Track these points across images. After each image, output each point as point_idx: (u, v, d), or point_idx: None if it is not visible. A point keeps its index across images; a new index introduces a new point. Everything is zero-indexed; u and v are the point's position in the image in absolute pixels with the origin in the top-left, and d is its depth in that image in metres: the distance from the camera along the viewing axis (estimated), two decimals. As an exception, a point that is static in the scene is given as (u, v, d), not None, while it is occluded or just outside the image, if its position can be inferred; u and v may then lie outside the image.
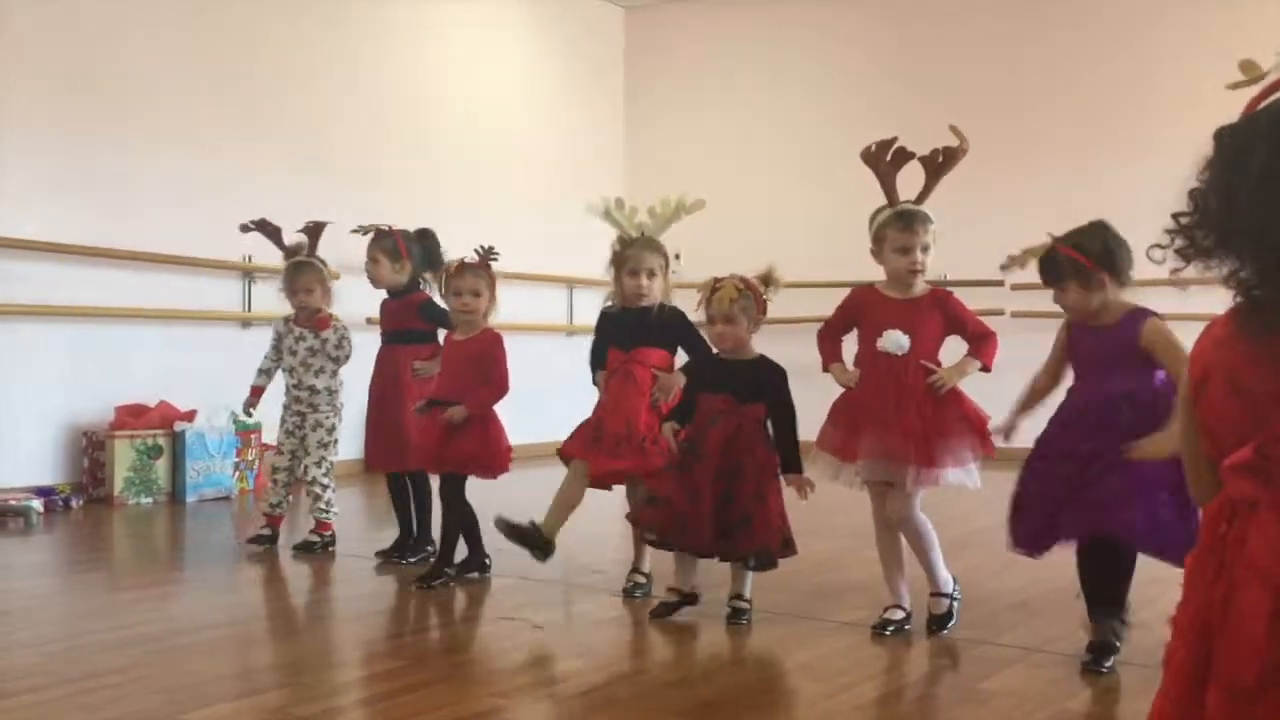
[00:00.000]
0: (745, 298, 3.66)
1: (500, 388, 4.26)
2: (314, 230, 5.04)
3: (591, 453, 4.07)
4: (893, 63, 9.49)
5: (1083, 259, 3.12)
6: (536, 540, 4.08)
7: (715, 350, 3.82)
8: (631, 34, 10.55)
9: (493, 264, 4.33)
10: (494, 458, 4.26)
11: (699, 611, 3.81)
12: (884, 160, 3.64)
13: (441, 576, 4.27)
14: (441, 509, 4.34)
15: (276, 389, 5.11)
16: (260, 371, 5.10)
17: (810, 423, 3.67)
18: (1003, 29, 9.11)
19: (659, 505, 3.73)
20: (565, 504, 4.14)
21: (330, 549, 4.91)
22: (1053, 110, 8.84)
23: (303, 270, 4.96)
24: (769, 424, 3.70)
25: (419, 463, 4.46)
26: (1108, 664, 3.11)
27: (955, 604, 3.64)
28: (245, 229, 5.16)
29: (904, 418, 3.50)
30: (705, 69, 10.23)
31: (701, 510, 3.61)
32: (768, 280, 3.71)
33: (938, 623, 3.58)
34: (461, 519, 4.32)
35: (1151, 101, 8.50)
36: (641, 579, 4.13)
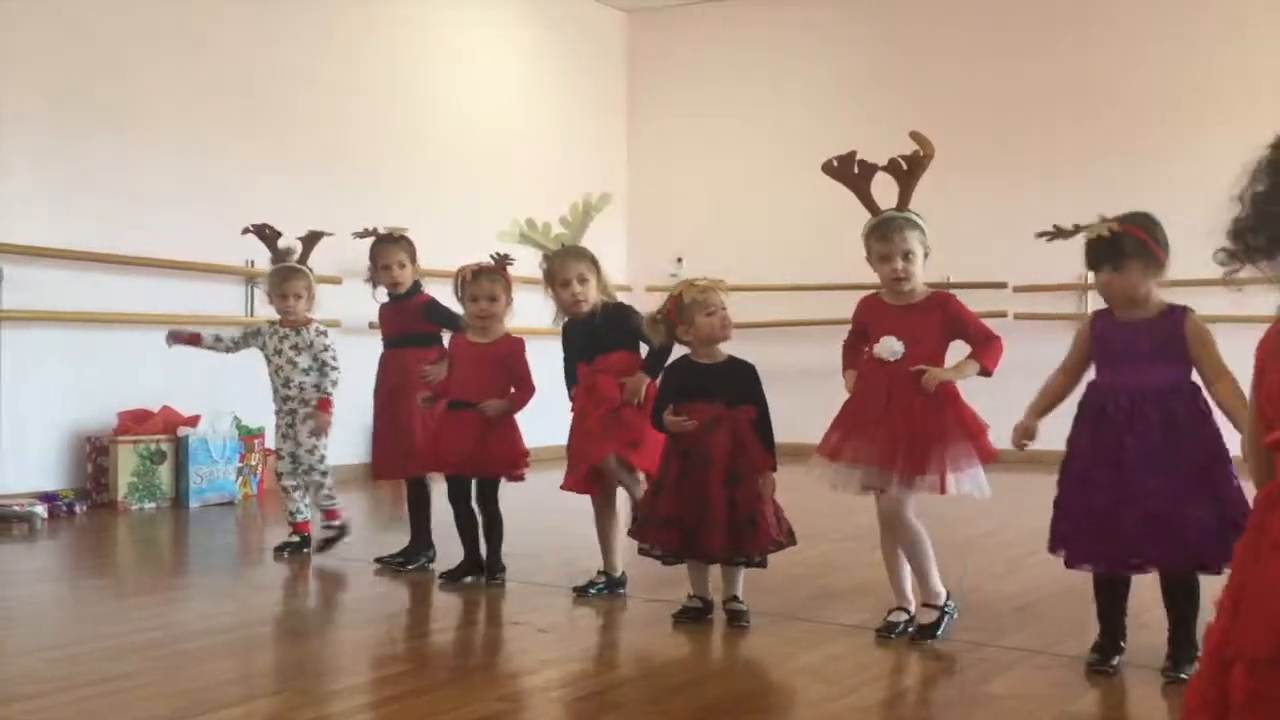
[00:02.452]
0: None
1: (532, 388, 4.37)
2: (311, 239, 5.04)
3: (568, 477, 4.15)
4: (894, 66, 9.49)
5: (1151, 241, 3.05)
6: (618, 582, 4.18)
7: (715, 345, 3.75)
8: (633, 38, 10.55)
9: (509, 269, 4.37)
10: (520, 459, 4.36)
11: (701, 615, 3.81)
12: (850, 172, 3.64)
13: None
14: (482, 512, 4.37)
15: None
16: (215, 337, 5.11)
17: (808, 423, 3.66)
18: (1005, 34, 9.11)
19: (668, 526, 3.70)
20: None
21: (347, 538, 4.90)
22: (1056, 115, 8.83)
23: (291, 276, 4.96)
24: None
25: (450, 468, 4.38)
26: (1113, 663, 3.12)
27: (946, 617, 3.57)
28: (246, 231, 5.17)
29: (889, 423, 3.48)
30: (707, 73, 10.23)
31: (716, 518, 3.60)
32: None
33: (922, 632, 3.52)
34: (500, 523, 4.38)
35: (1156, 105, 8.50)
36: (601, 579, 4.17)
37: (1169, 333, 3.08)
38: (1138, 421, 3.06)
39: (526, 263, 4.47)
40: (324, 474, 4.97)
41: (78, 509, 6.23)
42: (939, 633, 3.52)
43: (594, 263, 4.17)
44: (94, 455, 6.50)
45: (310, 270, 5.03)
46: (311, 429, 4.93)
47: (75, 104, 6.57)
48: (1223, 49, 8.31)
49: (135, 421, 6.60)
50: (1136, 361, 3.10)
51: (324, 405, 4.93)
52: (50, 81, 6.47)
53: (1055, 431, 3.28)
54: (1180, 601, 3.11)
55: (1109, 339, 3.17)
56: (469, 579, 4.39)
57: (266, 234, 5.10)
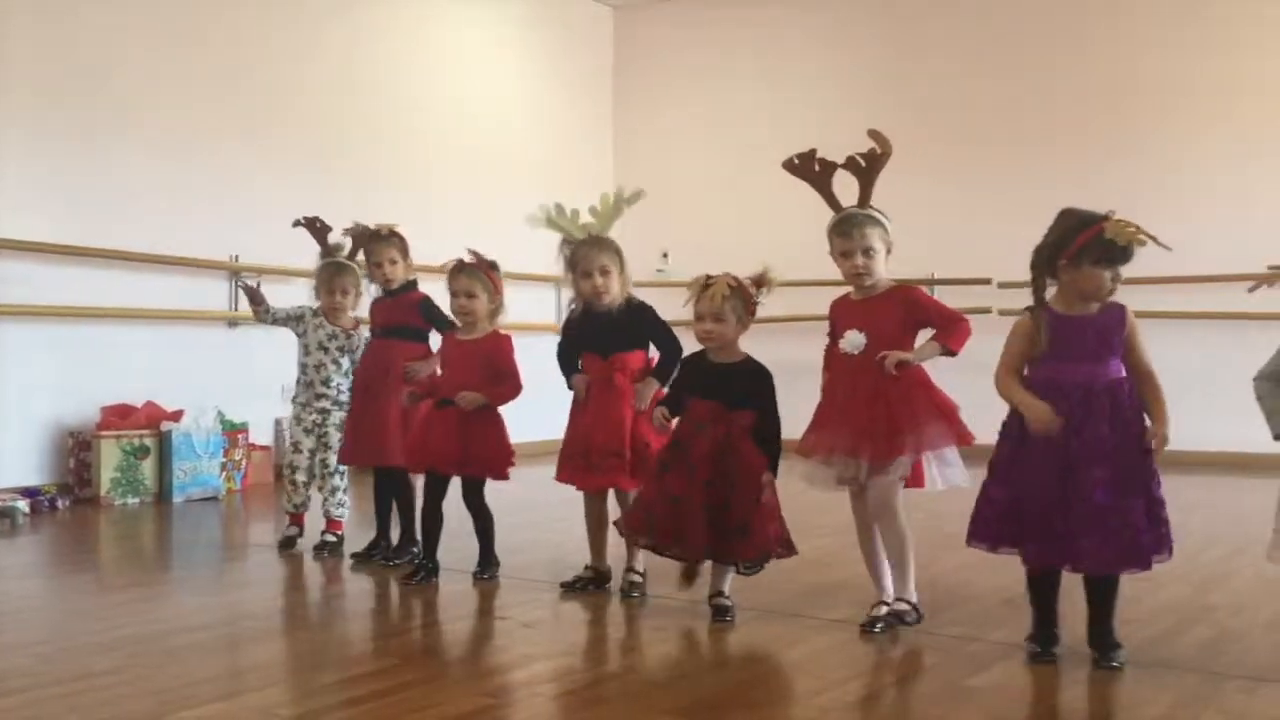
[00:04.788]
0: (736, 297, 3.64)
1: (517, 385, 4.28)
2: (360, 234, 4.92)
3: (581, 474, 4.09)
4: (881, 62, 9.51)
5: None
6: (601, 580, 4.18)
7: (702, 348, 3.78)
8: (620, 33, 10.55)
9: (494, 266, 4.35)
10: (505, 459, 4.30)
11: (688, 610, 3.82)
12: (811, 170, 3.65)
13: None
14: (470, 511, 4.35)
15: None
16: (266, 309, 5.03)
17: (802, 423, 3.67)
18: (993, 30, 9.13)
19: (638, 509, 3.73)
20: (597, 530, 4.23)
21: (340, 550, 4.89)
22: (1043, 112, 8.86)
23: (341, 271, 4.92)
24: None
25: (436, 465, 4.32)
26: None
27: (909, 616, 3.59)
28: (297, 224, 5.08)
29: (853, 412, 3.50)
30: (694, 68, 10.23)
31: (694, 517, 3.59)
32: (761, 282, 3.69)
33: (872, 622, 3.54)
34: (488, 519, 4.37)
35: (1143, 102, 8.54)
36: (637, 578, 4.11)
37: (1113, 327, 3.12)
38: (1090, 416, 3.08)
39: (519, 260, 4.46)
40: (338, 488, 4.95)
41: (60, 504, 6.21)
42: (879, 626, 3.53)
43: (619, 255, 4.13)
44: (77, 450, 6.47)
45: (359, 266, 4.97)
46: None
47: (62, 100, 6.53)
48: (1217, 52, 8.34)
49: (119, 416, 6.57)
50: (1085, 357, 3.12)
51: None
52: (37, 77, 6.44)
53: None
54: (1101, 595, 3.18)
55: (1059, 334, 3.15)
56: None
57: (317, 227, 5.04)
